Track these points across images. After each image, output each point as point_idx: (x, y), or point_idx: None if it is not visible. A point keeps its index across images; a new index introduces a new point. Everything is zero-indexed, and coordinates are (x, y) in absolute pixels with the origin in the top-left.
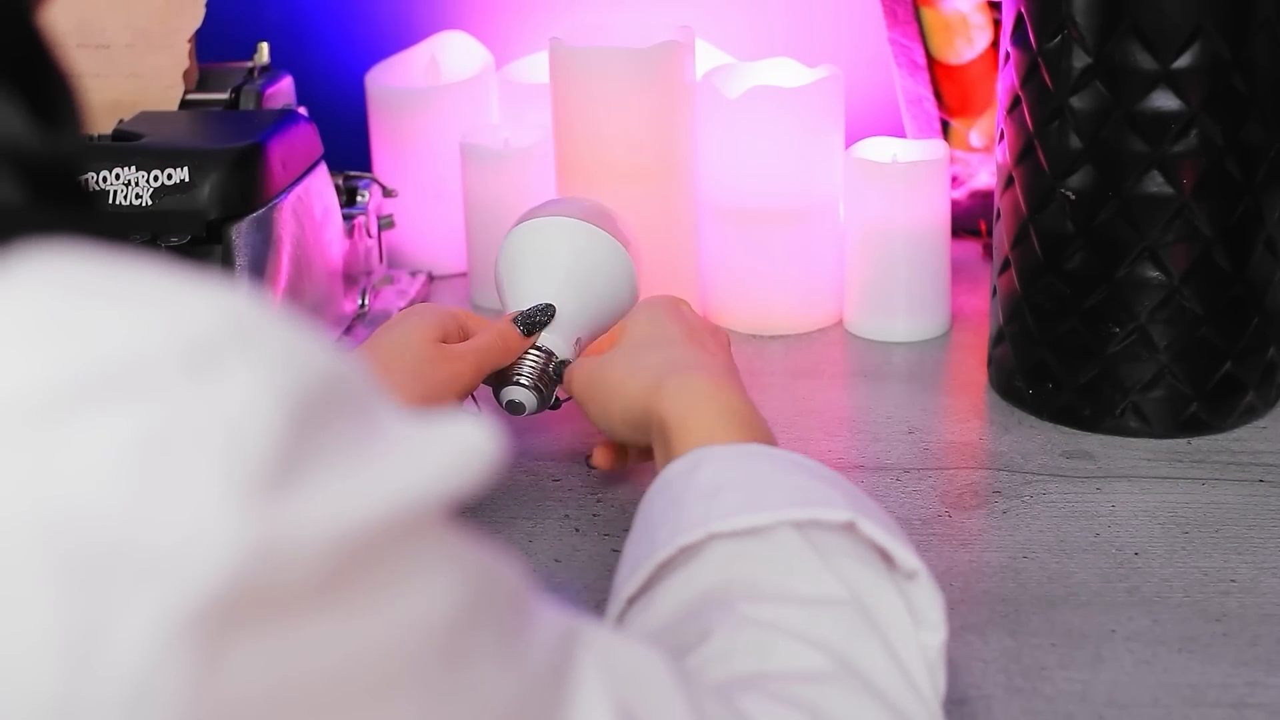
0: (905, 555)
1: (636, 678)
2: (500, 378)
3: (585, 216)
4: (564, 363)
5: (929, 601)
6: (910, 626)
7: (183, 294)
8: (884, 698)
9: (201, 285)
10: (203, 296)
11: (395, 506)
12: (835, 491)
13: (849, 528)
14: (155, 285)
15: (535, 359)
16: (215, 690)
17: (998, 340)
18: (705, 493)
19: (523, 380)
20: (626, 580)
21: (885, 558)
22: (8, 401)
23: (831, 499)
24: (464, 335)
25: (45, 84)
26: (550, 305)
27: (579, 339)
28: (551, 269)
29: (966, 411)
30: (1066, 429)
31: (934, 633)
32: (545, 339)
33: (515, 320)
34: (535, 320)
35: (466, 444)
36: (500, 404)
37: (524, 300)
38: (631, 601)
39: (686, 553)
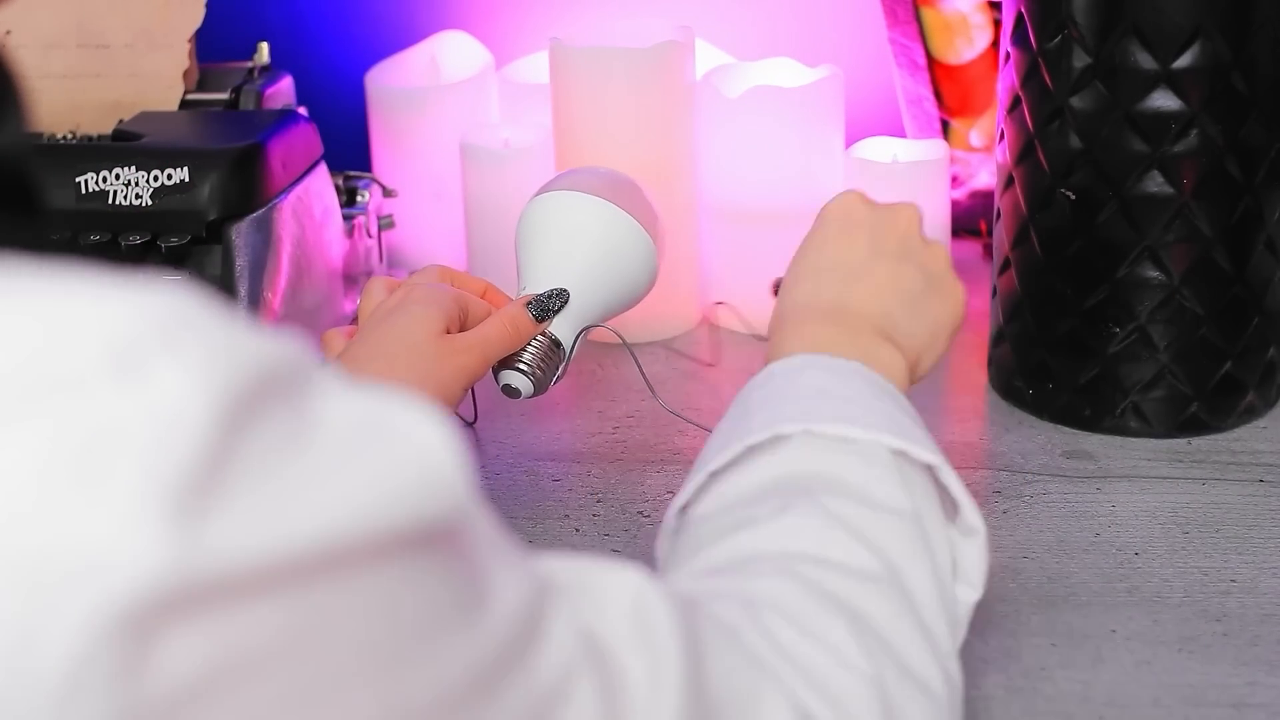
0: (972, 512)
1: (615, 616)
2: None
3: (615, 199)
4: (565, 353)
5: (977, 560)
6: (951, 575)
7: (105, 296)
8: (919, 616)
9: (126, 286)
10: (126, 297)
11: (334, 534)
12: (924, 435)
13: (929, 470)
14: (77, 289)
15: (538, 344)
16: (145, 686)
17: (998, 340)
18: (807, 394)
19: (522, 365)
20: (715, 455)
21: (950, 509)
22: None
23: (921, 440)
24: (465, 316)
25: None
26: (565, 291)
27: (586, 328)
28: (572, 251)
29: (966, 411)
30: (1066, 429)
31: (972, 590)
32: (553, 325)
33: (529, 305)
34: (549, 307)
35: (424, 457)
36: (497, 383)
37: (539, 278)
38: (714, 475)
39: (779, 442)
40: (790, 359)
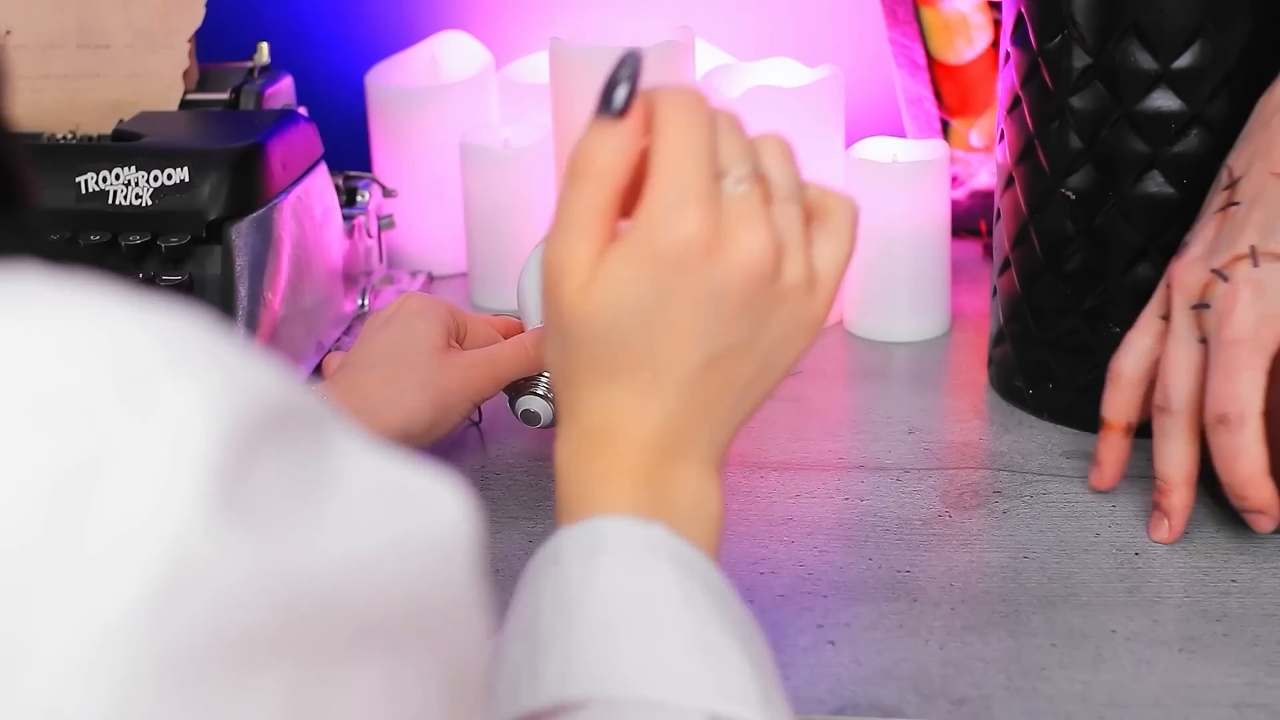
0: None
1: None
2: (515, 385)
3: None
4: None
5: None
6: None
7: (112, 312)
8: None
9: (132, 303)
10: (133, 315)
11: (340, 598)
12: (745, 663)
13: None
14: (83, 302)
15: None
16: (135, 709)
17: (998, 340)
18: (603, 624)
19: (539, 391)
20: (500, 703)
21: None
22: None
23: (744, 683)
24: (463, 333)
25: None
26: None
27: None
28: None
29: (966, 411)
30: (1066, 429)
31: None
32: None
33: None
34: None
35: (437, 518)
36: (514, 412)
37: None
38: None
39: (567, 713)
40: (579, 534)
